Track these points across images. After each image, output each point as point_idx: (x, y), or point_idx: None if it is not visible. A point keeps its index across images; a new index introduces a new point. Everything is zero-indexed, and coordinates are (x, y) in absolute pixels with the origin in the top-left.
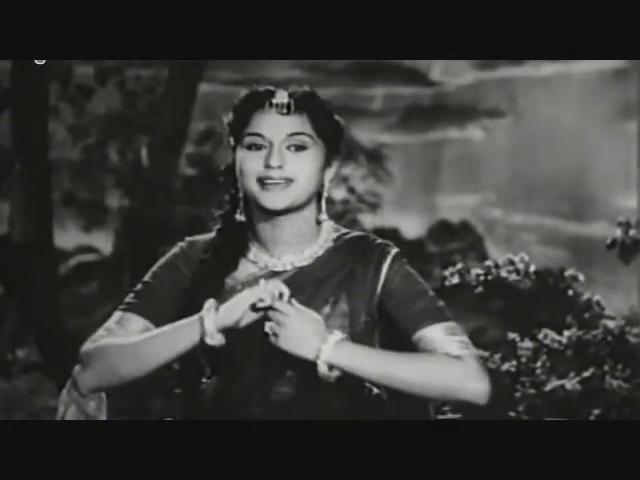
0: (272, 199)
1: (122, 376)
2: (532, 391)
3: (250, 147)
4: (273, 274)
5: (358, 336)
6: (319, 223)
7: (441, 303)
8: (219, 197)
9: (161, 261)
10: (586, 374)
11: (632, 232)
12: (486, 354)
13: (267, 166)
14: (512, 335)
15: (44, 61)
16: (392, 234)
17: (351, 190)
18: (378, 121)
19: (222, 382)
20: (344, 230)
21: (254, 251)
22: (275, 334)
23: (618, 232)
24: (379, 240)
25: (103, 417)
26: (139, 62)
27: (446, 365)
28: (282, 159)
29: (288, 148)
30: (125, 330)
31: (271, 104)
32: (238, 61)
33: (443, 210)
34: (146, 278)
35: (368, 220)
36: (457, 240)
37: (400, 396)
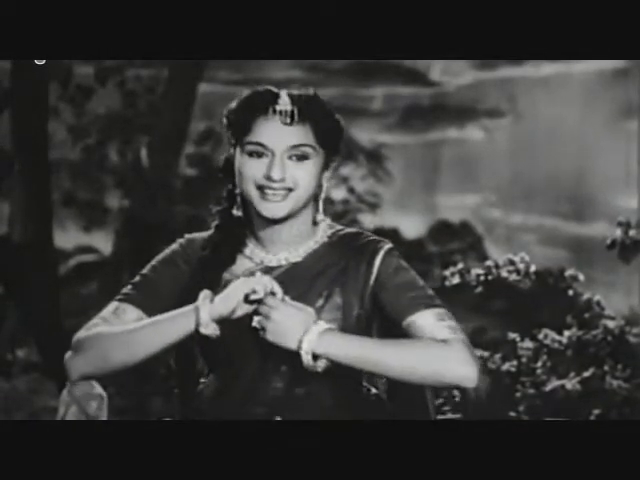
0: (272, 209)
1: (113, 363)
2: (532, 391)
3: (251, 154)
4: (268, 269)
5: (352, 329)
6: (316, 223)
7: (430, 292)
8: (218, 195)
9: (160, 256)
10: (586, 374)
11: (632, 232)
12: (486, 354)
13: (268, 178)
14: (512, 335)
15: (44, 61)
16: (392, 234)
17: (351, 190)
18: (378, 121)
19: (221, 382)
20: (339, 227)
21: (251, 247)
22: (263, 328)
23: (618, 232)
24: (372, 236)
25: (104, 417)
26: (139, 62)
27: (433, 349)
28: (283, 171)
29: (290, 158)
30: (120, 320)
31: (274, 111)
32: (238, 61)
33: (443, 210)
34: (144, 271)
35: (368, 220)
36: (457, 240)
37: (400, 396)
